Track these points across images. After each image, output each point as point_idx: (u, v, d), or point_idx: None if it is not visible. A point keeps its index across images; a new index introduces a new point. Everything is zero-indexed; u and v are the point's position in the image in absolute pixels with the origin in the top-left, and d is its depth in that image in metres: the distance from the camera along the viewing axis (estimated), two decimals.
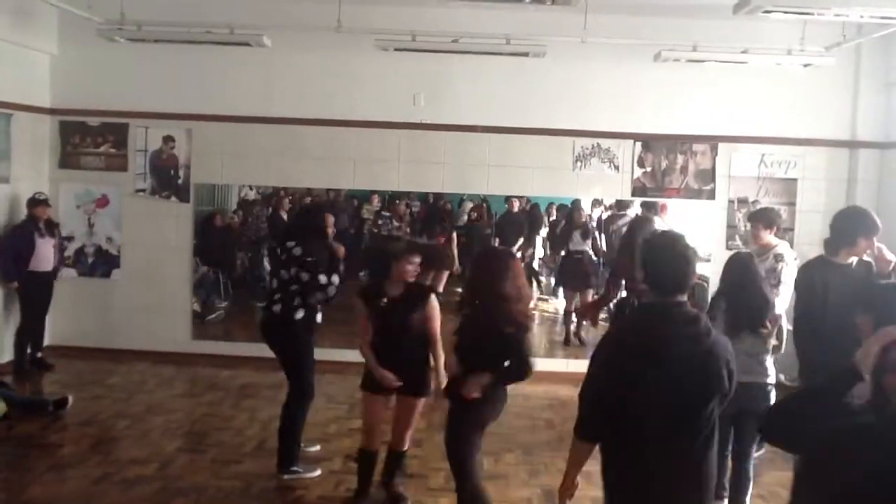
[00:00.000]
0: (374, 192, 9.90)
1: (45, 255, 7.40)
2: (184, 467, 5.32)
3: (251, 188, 10.12)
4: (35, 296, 7.43)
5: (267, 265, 10.18)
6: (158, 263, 8.04)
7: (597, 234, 9.30)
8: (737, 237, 7.88)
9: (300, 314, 5.12)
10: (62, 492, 4.87)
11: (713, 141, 7.90)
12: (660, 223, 8.32)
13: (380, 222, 10.00)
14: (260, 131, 7.90)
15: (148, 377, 7.46)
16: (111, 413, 6.41)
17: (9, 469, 5.20)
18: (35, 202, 7.35)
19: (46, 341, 7.80)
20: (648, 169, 7.94)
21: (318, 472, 5.20)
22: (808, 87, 7.64)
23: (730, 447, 4.54)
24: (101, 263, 8.15)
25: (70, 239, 8.10)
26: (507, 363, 3.97)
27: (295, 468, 5.15)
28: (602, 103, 7.80)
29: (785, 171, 7.89)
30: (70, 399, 6.40)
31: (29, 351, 7.48)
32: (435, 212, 10.31)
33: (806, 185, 7.89)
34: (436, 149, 7.90)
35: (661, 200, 8.07)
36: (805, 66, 6.86)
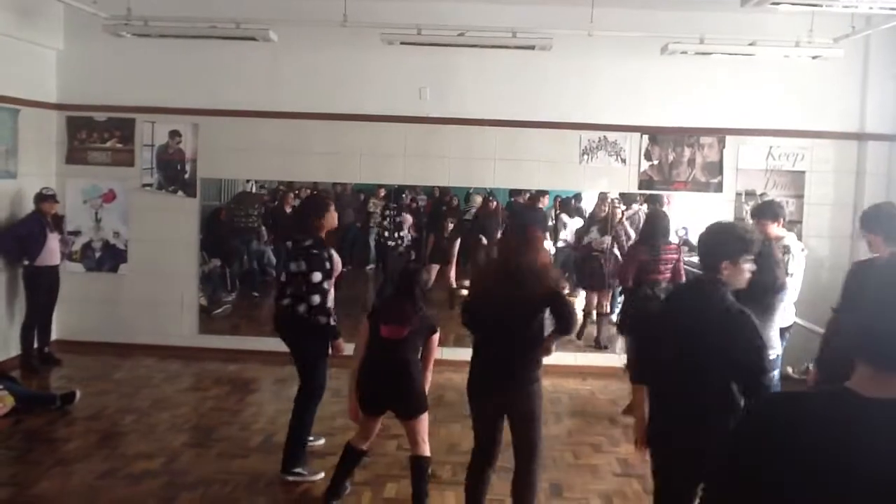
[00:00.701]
0: (380, 185, 9.87)
1: (53, 249, 7.43)
2: (190, 462, 5.33)
3: (254, 182, 10.13)
4: (42, 290, 7.45)
5: (272, 257, 10.22)
6: (165, 258, 8.06)
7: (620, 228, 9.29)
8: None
9: (302, 308, 5.02)
10: (69, 486, 4.89)
11: (720, 133, 7.86)
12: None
13: (386, 214, 9.98)
14: (266, 126, 7.90)
15: (154, 372, 7.48)
16: (118, 408, 6.43)
17: (16, 463, 5.22)
18: (43, 197, 7.36)
19: (53, 335, 7.83)
20: (655, 162, 7.91)
21: (320, 476, 5.11)
22: (817, 80, 7.60)
23: None
24: (108, 258, 8.17)
25: (77, 234, 8.12)
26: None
27: (298, 470, 5.10)
28: (609, 96, 7.77)
29: (793, 163, 7.85)
30: (77, 394, 6.42)
31: (36, 345, 7.50)
32: (440, 207, 10.29)
33: (814, 178, 7.85)
34: (442, 142, 7.89)
35: (666, 193, 8.05)
36: (813, 58, 6.81)
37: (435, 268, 9.98)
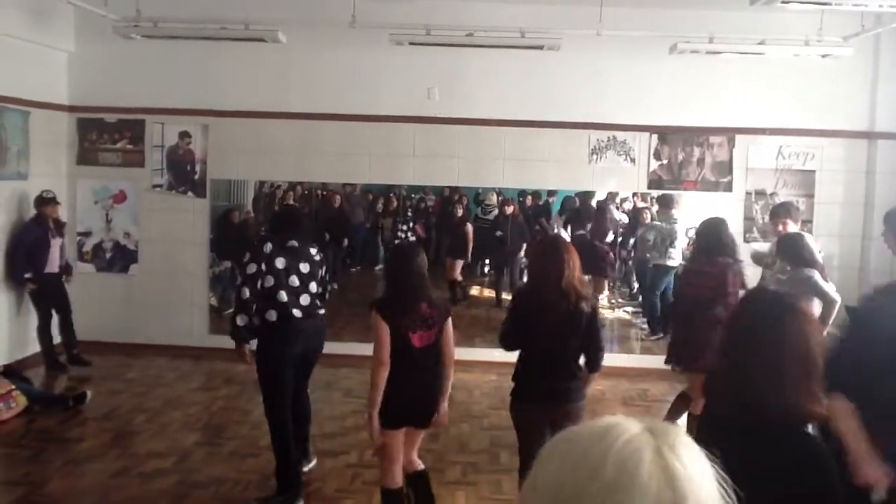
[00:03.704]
0: (390, 192, 9.88)
1: (55, 255, 7.38)
2: (202, 460, 5.36)
3: (269, 184, 10.14)
4: (50, 298, 7.39)
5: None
6: (176, 259, 8.09)
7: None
8: (754, 229, 7.83)
9: (239, 321, 4.72)
10: (81, 485, 4.92)
11: (730, 133, 7.84)
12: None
13: (398, 227, 10.01)
14: (275, 126, 7.93)
15: (166, 371, 7.52)
16: (130, 407, 6.47)
17: (29, 462, 5.26)
18: (44, 201, 7.26)
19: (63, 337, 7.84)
20: (665, 161, 7.90)
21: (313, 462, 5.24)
22: (827, 78, 7.57)
23: None
24: (118, 259, 8.21)
25: (88, 234, 8.16)
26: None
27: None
28: (618, 96, 7.76)
29: (803, 162, 7.83)
30: (88, 394, 6.46)
31: (64, 348, 7.54)
32: (449, 207, 10.30)
33: (824, 177, 7.83)
34: (451, 142, 7.90)
35: (675, 193, 8.04)
36: (823, 56, 6.79)
37: (451, 262, 10.02)
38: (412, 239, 9.97)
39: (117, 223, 8.18)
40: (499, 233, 9.48)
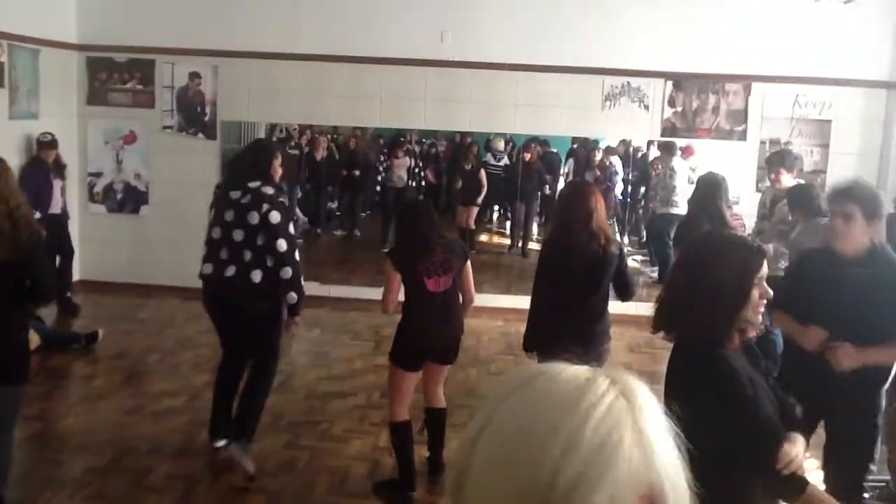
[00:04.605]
0: (400, 131, 9.82)
1: (57, 196, 7.26)
2: (212, 400, 5.43)
3: (281, 130, 10.09)
4: (53, 239, 7.20)
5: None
6: (186, 200, 8.07)
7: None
8: (767, 179, 7.73)
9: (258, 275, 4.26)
10: (96, 422, 5.01)
11: (746, 80, 7.72)
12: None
13: (415, 172, 10.05)
14: (286, 68, 7.85)
15: (177, 312, 7.57)
16: (142, 347, 6.55)
17: (44, 399, 5.34)
18: (42, 144, 7.13)
19: (77, 276, 7.90)
20: (679, 109, 7.80)
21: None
22: (848, 26, 7.41)
23: None
24: (129, 200, 8.23)
25: (99, 175, 8.17)
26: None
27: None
28: (633, 41, 7.63)
29: (819, 111, 7.72)
30: (100, 333, 6.53)
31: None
32: (460, 153, 10.28)
33: (840, 127, 7.72)
34: (462, 87, 7.80)
35: (687, 141, 7.97)
36: (845, 2, 6.65)
37: (463, 209, 10.03)
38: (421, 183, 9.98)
39: (128, 164, 8.18)
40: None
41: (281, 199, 4.32)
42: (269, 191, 4.21)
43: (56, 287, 4.40)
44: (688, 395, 2.02)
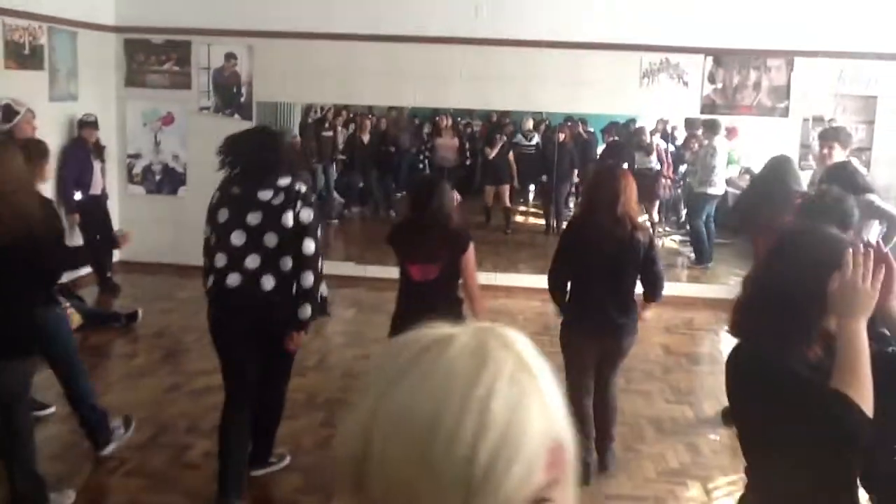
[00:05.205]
0: (436, 111, 9.78)
1: (97, 178, 7.37)
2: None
3: (316, 111, 10.10)
4: (93, 220, 7.29)
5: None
6: None
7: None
8: (810, 157, 7.57)
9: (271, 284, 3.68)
10: (136, 399, 5.08)
11: (789, 56, 7.53)
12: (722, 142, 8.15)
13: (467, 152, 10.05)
14: (320, 48, 7.82)
15: None
16: (180, 326, 6.62)
17: None
18: (83, 124, 7.23)
19: (116, 257, 7.99)
20: (719, 85, 7.64)
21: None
22: None
23: None
24: (167, 181, 8.31)
25: (137, 157, 8.25)
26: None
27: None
28: (672, 16, 7.48)
29: (864, 87, 7.51)
30: (140, 312, 6.62)
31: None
32: (495, 128, 10.22)
33: (886, 103, 7.51)
34: (497, 65, 7.71)
35: (728, 119, 7.82)
36: None
37: (489, 189, 9.98)
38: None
39: (166, 145, 8.24)
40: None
41: (313, 197, 3.82)
42: (303, 188, 3.70)
43: (65, 266, 4.33)
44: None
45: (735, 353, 2.02)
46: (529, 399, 0.74)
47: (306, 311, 3.65)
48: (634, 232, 3.84)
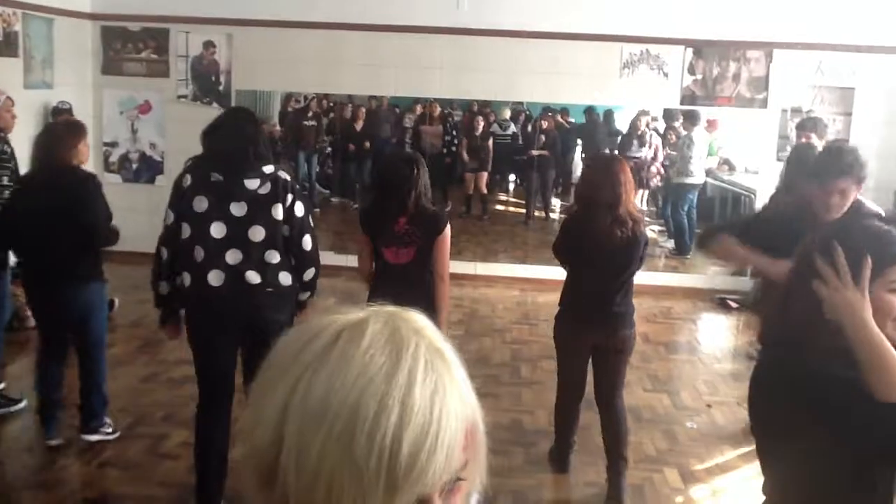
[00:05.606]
0: (416, 100, 9.74)
1: None
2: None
3: (297, 100, 10.01)
4: None
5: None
6: None
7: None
8: (788, 148, 7.61)
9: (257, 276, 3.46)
10: (112, 389, 5.00)
11: (768, 47, 7.58)
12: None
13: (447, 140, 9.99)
14: (300, 37, 7.78)
15: None
16: (157, 316, 6.55)
17: None
18: (58, 111, 7.11)
19: None
20: (699, 76, 7.67)
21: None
22: None
23: None
24: (144, 170, 8.23)
25: (114, 145, 8.17)
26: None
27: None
28: (652, 7, 7.49)
29: (843, 79, 7.56)
30: (116, 302, 6.56)
31: None
32: (475, 117, 10.20)
33: (863, 95, 7.57)
34: (478, 55, 7.70)
35: (707, 110, 7.85)
36: None
37: (469, 176, 9.97)
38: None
39: (143, 134, 8.17)
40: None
41: (298, 186, 3.63)
42: (287, 176, 3.46)
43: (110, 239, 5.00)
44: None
45: (767, 364, 1.93)
46: (446, 385, 0.73)
47: (306, 294, 3.64)
48: (636, 227, 3.75)
